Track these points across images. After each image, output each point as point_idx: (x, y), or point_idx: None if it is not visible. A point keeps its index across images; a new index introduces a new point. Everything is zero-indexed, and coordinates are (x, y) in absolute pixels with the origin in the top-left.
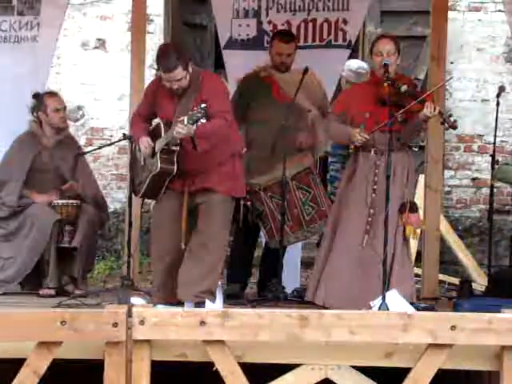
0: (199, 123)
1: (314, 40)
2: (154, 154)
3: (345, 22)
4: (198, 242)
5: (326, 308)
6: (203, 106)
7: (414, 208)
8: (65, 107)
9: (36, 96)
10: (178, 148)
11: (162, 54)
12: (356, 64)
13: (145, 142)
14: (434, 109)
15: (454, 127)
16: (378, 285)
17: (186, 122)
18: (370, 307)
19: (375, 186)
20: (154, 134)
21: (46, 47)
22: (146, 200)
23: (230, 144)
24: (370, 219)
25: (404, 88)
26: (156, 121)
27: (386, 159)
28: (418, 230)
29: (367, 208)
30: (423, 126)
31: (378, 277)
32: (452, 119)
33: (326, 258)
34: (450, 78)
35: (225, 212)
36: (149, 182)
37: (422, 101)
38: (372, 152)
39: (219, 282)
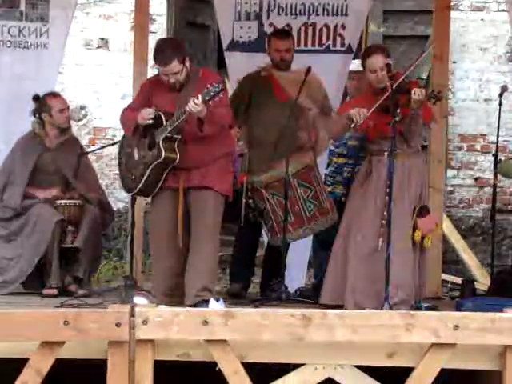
0: (216, 99)
1: (313, 44)
2: (152, 146)
3: (343, 27)
4: (195, 241)
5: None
6: (220, 81)
7: (423, 212)
8: (68, 107)
9: (37, 98)
10: (179, 136)
11: (158, 47)
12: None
13: (147, 110)
14: (421, 91)
15: (440, 98)
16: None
17: (201, 99)
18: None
19: (388, 189)
20: (153, 126)
21: (55, 51)
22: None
23: (225, 142)
24: (384, 222)
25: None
26: (155, 112)
27: (401, 162)
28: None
29: (381, 212)
30: (418, 112)
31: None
32: (435, 92)
33: (344, 260)
34: (423, 53)
35: (218, 211)
36: (149, 174)
37: (407, 92)
38: (385, 156)
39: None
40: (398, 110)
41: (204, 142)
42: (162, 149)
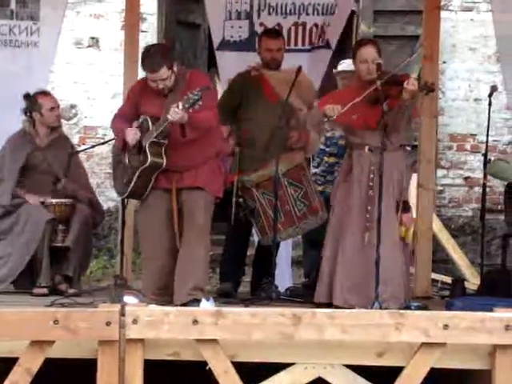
0: (196, 107)
1: (303, 43)
2: (140, 150)
3: (328, 25)
4: (186, 241)
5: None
6: (200, 89)
7: (406, 208)
8: (58, 106)
9: (27, 96)
10: (166, 141)
11: (146, 54)
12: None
13: (132, 131)
14: (414, 82)
15: (433, 89)
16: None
17: (181, 106)
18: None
19: (371, 183)
20: (141, 131)
21: (46, 50)
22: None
23: (216, 142)
24: (368, 216)
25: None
26: (142, 117)
27: (380, 157)
28: (411, 231)
29: (365, 205)
30: (408, 104)
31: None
32: (428, 83)
33: (334, 258)
34: (412, 54)
35: (208, 211)
36: (137, 179)
37: (399, 83)
38: (366, 150)
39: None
40: (386, 102)
41: (194, 143)
42: (148, 154)
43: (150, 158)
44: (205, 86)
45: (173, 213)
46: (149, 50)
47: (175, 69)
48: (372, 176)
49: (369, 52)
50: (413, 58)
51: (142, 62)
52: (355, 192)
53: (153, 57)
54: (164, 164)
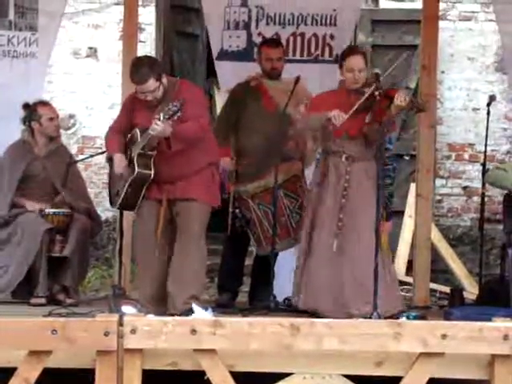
0: (175, 118)
1: (302, 54)
2: (130, 162)
3: (332, 37)
4: (178, 251)
5: (310, 313)
6: (180, 100)
7: (389, 217)
8: (57, 116)
9: (26, 106)
10: (154, 153)
11: (134, 66)
12: None
13: (118, 159)
14: (405, 98)
15: (423, 109)
16: (354, 289)
17: (161, 118)
18: (349, 311)
19: (345, 192)
20: (131, 143)
21: (41, 59)
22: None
23: (208, 152)
24: (340, 224)
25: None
26: (134, 130)
27: (357, 166)
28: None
29: (337, 213)
30: (393, 118)
31: (353, 281)
32: (420, 101)
33: (304, 262)
34: (403, 57)
35: (203, 221)
36: (126, 190)
37: (389, 96)
38: (343, 158)
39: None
40: (370, 113)
41: (183, 154)
42: (136, 165)
43: (136, 170)
44: (184, 99)
45: (159, 223)
46: (136, 62)
47: (164, 80)
48: (346, 185)
49: (356, 61)
50: (399, 63)
51: (130, 75)
52: (328, 199)
53: (140, 69)
54: (152, 175)
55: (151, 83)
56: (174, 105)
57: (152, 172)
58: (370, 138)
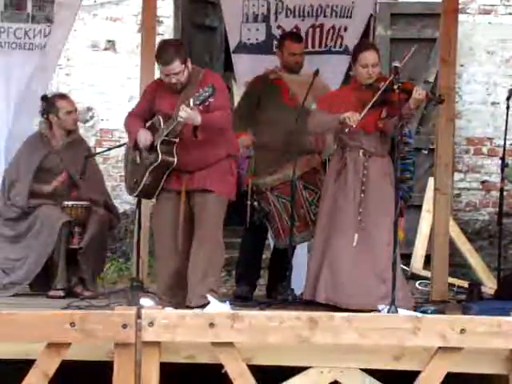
0: (206, 104)
1: (320, 46)
2: (151, 148)
3: (345, 29)
4: (195, 244)
5: (328, 305)
6: (210, 85)
7: (403, 212)
8: (76, 109)
9: (45, 98)
10: (177, 140)
11: (161, 48)
12: None
13: (144, 134)
14: (422, 92)
15: (441, 101)
16: (375, 283)
17: (191, 104)
18: (370, 304)
19: (363, 187)
20: (151, 130)
21: (54, 48)
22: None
23: (227, 144)
24: (359, 218)
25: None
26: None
27: (374, 161)
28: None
29: (357, 208)
30: (413, 112)
31: (373, 276)
32: (437, 95)
33: (322, 255)
34: (412, 51)
35: (220, 213)
36: (148, 177)
37: (407, 90)
38: (360, 154)
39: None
40: (386, 107)
41: (206, 144)
42: (159, 152)
43: (160, 156)
44: (218, 82)
45: (179, 214)
46: (163, 43)
47: (189, 65)
48: (365, 180)
49: (371, 56)
50: (411, 53)
51: (156, 56)
52: (348, 194)
53: (167, 50)
54: (175, 162)
55: (177, 65)
56: (205, 90)
57: (175, 159)
58: (385, 132)
